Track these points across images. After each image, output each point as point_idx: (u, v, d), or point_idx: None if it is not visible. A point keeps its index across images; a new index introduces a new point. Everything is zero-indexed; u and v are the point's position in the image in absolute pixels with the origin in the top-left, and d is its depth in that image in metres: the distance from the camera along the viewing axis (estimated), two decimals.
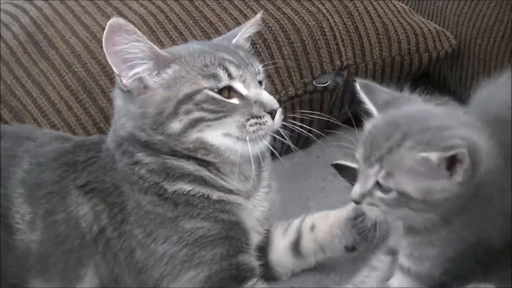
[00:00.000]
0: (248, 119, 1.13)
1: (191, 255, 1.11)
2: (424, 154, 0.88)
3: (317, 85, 1.73)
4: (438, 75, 2.09)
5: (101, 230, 1.16)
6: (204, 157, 1.17)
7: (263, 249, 1.29)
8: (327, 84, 1.74)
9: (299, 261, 1.31)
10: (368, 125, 1.00)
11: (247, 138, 1.13)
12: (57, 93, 1.60)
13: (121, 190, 1.17)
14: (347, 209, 1.28)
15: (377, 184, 0.94)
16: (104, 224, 1.16)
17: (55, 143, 1.25)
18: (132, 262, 1.15)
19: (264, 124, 1.14)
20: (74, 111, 1.60)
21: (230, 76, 1.14)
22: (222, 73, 1.14)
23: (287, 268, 1.31)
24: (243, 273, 1.13)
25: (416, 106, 1.04)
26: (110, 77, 1.59)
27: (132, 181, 1.17)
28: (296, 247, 1.30)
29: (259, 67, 1.22)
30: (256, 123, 1.13)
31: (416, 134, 0.92)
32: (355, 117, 2.00)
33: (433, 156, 0.87)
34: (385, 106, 1.03)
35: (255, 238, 1.24)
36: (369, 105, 1.04)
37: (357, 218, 1.23)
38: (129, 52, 1.13)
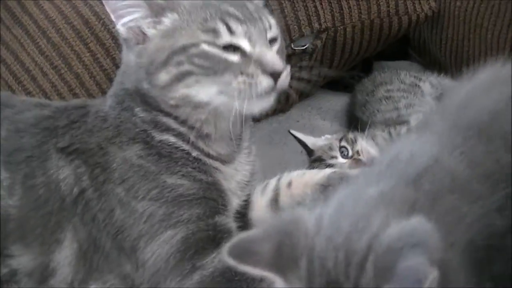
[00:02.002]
0: (238, 76, 1.09)
1: (169, 214, 1.11)
2: None
3: (296, 48, 1.72)
4: (418, 38, 2.09)
5: (81, 192, 1.16)
6: (187, 116, 1.15)
7: (243, 212, 1.30)
8: (305, 47, 1.72)
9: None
10: None
11: (235, 97, 1.10)
12: (31, 60, 1.58)
13: (107, 151, 1.17)
14: (321, 175, 1.28)
15: None
16: (84, 186, 1.16)
17: (34, 109, 1.24)
18: (110, 223, 1.15)
19: (255, 85, 1.10)
20: (49, 78, 1.58)
21: (231, 31, 1.09)
22: (222, 28, 1.09)
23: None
24: (220, 234, 1.13)
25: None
26: (85, 42, 1.57)
27: (123, 133, 1.17)
28: (275, 203, 1.31)
29: (271, 21, 1.15)
30: (244, 82, 1.09)
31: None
32: (333, 80, 2.03)
33: None
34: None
35: (234, 202, 1.25)
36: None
37: (327, 187, 1.23)
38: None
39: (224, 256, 0.79)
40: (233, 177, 1.19)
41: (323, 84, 2.00)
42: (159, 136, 1.17)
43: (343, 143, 1.56)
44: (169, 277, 1.09)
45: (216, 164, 1.21)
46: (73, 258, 1.17)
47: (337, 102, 1.85)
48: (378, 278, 0.73)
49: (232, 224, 1.21)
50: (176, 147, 1.17)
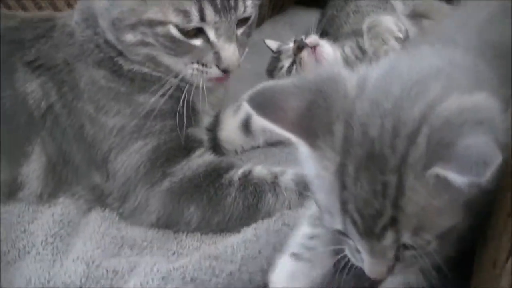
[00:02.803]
0: (193, 62, 1.09)
1: (140, 127, 1.11)
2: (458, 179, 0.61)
3: None
4: None
5: (49, 107, 1.14)
6: (152, 69, 1.15)
7: (213, 131, 1.30)
8: None
9: (249, 138, 1.32)
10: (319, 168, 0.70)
11: (188, 75, 1.12)
12: None
13: (73, 67, 1.14)
14: None
15: (403, 247, 0.69)
16: (53, 101, 1.14)
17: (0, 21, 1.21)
18: (81, 138, 1.14)
19: (206, 73, 1.11)
20: None
21: (203, 19, 1.05)
22: (195, 14, 1.05)
23: (237, 145, 1.32)
24: (191, 143, 1.14)
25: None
26: None
27: (88, 54, 1.14)
28: (246, 124, 1.31)
29: (247, 3, 1.09)
30: (198, 69, 1.10)
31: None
32: None
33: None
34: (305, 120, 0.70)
35: (205, 120, 1.25)
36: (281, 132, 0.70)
37: None
38: None
39: (243, 104, 0.74)
40: (206, 97, 1.19)
41: (297, 0, 1.97)
42: (128, 66, 1.15)
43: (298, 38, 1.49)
44: (139, 185, 1.10)
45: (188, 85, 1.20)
46: (41, 171, 1.16)
47: (310, 18, 1.83)
48: (432, 155, 0.63)
49: (203, 136, 1.21)
50: (150, 74, 1.15)
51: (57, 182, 1.17)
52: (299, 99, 0.69)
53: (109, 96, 1.13)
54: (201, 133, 1.20)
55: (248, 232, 1.00)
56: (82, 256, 1.02)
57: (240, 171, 1.11)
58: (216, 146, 1.29)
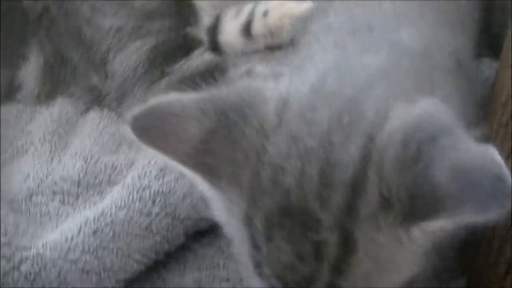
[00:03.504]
0: None
1: (139, 27, 1.10)
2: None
3: None
4: None
5: (45, 9, 1.12)
6: None
7: (213, 32, 1.27)
8: None
9: (250, 42, 1.30)
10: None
11: None
12: None
13: None
14: (304, 7, 1.24)
15: None
16: (49, 3, 1.12)
17: None
18: (78, 39, 1.13)
19: None
20: None
21: None
22: None
23: (237, 49, 1.30)
24: (191, 43, 1.12)
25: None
26: None
27: None
28: (247, 28, 1.28)
29: None
30: None
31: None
32: None
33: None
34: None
35: (206, 20, 1.22)
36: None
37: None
38: None
39: (125, 128, 0.53)
40: None
41: None
42: None
43: None
44: (137, 85, 1.09)
45: None
46: (38, 72, 1.15)
47: None
48: (410, 209, 0.48)
49: (203, 36, 1.19)
50: None
51: (54, 83, 1.16)
52: (198, 125, 0.53)
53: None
54: (201, 33, 1.18)
55: None
56: (80, 152, 1.02)
57: (241, 69, 1.10)
58: (215, 49, 1.27)
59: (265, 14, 1.26)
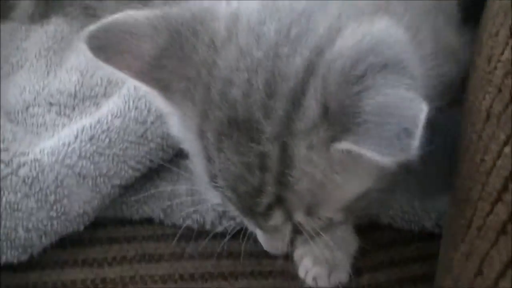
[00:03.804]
0: None
1: None
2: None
3: None
4: None
5: None
6: None
7: None
8: None
9: None
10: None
11: None
12: None
13: None
14: None
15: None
16: None
17: None
18: None
19: None
20: None
21: None
22: None
23: None
24: None
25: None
26: None
27: None
28: None
29: None
30: None
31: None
32: None
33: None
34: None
35: None
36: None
37: None
38: None
39: (82, 46, 0.54)
40: None
41: None
42: None
43: None
44: (132, 5, 1.09)
45: None
46: None
47: None
48: (334, 124, 0.49)
49: None
50: None
51: (48, 3, 1.16)
52: (151, 42, 0.54)
53: None
54: None
55: None
56: (76, 66, 1.03)
57: None
58: None
59: None
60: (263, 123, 0.51)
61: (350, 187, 0.55)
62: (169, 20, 0.55)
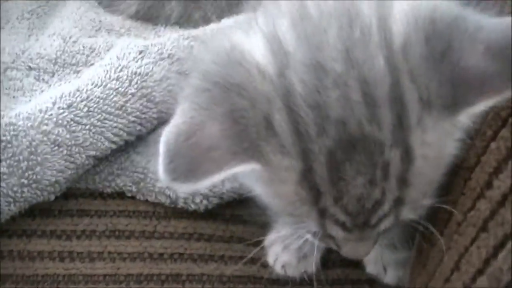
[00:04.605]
0: None
1: None
2: None
3: None
4: None
5: None
6: None
7: None
8: None
9: None
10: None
11: None
12: None
13: None
14: None
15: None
16: None
17: None
18: None
19: None
20: None
21: None
22: None
23: None
24: None
25: None
26: None
27: None
28: None
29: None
30: None
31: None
32: None
33: None
34: None
35: None
36: None
37: None
38: None
39: (166, 180, 0.50)
40: None
41: None
42: None
43: None
44: None
45: None
46: None
47: None
48: (434, 102, 0.50)
49: None
50: None
51: None
52: (216, 117, 0.50)
53: None
54: None
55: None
56: (58, 32, 1.01)
57: None
58: None
59: None
60: (378, 134, 0.49)
61: (449, 156, 0.54)
62: (205, 79, 0.52)
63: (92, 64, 0.94)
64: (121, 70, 0.87)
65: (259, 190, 0.56)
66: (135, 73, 0.86)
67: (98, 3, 1.11)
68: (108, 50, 0.96)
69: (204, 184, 0.50)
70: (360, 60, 0.49)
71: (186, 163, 0.49)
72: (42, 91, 0.91)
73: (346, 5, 0.51)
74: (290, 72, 0.50)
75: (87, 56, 0.96)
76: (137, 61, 0.88)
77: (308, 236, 0.58)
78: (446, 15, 0.50)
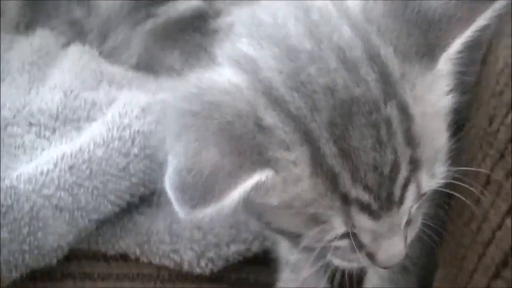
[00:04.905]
0: None
1: None
2: None
3: None
4: None
5: None
6: None
7: None
8: None
9: None
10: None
11: None
12: None
13: None
14: None
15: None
16: None
17: None
18: None
19: None
20: None
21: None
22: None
23: None
24: None
25: None
26: None
27: None
28: None
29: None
30: None
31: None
32: None
33: None
34: None
35: None
36: None
37: None
38: None
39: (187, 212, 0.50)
40: None
41: None
42: None
43: None
44: (121, 24, 1.06)
45: None
46: (20, 0, 1.11)
47: None
48: (428, 44, 0.54)
49: None
50: None
51: (35, 14, 1.13)
52: (208, 143, 0.52)
53: None
54: None
55: None
56: (60, 85, 0.99)
57: (228, 19, 1.07)
58: None
59: None
60: (368, 92, 0.51)
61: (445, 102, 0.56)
62: (200, 107, 0.53)
63: (94, 120, 0.92)
64: (123, 129, 0.85)
65: (275, 209, 0.55)
66: (138, 131, 0.85)
67: (99, 53, 1.09)
68: (110, 105, 0.95)
69: (226, 203, 0.50)
70: (327, 34, 0.53)
71: (199, 190, 0.49)
72: (43, 149, 0.90)
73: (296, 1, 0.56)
74: (263, 71, 0.53)
75: (89, 111, 0.95)
76: (139, 119, 0.87)
77: (335, 258, 0.57)
78: None
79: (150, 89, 1.01)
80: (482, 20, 0.53)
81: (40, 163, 0.84)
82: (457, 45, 0.53)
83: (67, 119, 0.94)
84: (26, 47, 1.08)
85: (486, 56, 0.66)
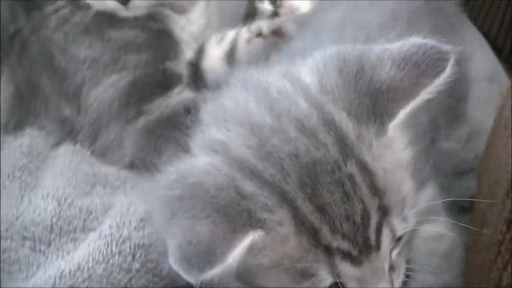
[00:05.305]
0: None
1: (115, 60, 1.05)
2: None
3: None
4: None
5: (17, 31, 1.07)
6: None
7: (196, 63, 1.24)
8: None
9: (233, 69, 1.26)
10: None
11: None
12: None
13: None
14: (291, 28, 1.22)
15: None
16: (21, 26, 1.07)
17: None
18: (51, 68, 1.08)
19: None
20: None
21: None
22: None
23: (220, 76, 1.26)
24: (169, 80, 1.08)
25: None
26: None
27: None
28: (231, 56, 1.24)
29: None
30: None
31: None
32: None
33: None
34: None
35: (187, 53, 1.18)
36: None
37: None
38: None
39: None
40: (186, 27, 1.12)
41: None
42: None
43: None
44: (112, 122, 1.05)
45: (167, 11, 1.13)
46: (8, 100, 1.10)
47: None
48: (377, 112, 0.60)
49: (183, 70, 1.15)
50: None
51: (24, 113, 1.12)
52: (199, 218, 0.57)
53: (77, 30, 1.06)
54: (180, 67, 1.14)
55: None
56: (52, 193, 0.97)
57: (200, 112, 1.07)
58: (197, 79, 1.23)
59: (249, 41, 1.23)
60: (328, 154, 0.57)
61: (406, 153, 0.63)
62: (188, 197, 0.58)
63: (90, 230, 0.90)
64: (123, 242, 0.83)
65: (267, 270, 0.59)
66: (138, 245, 0.83)
67: (91, 152, 1.08)
68: (105, 212, 0.93)
69: (230, 263, 0.54)
70: (285, 108, 0.60)
71: (202, 256, 0.54)
72: (39, 265, 0.87)
73: (255, 82, 0.65)
74: (234, 149, 0.59)
75: (84, 220, 0.92)
76: (139, 231, 0.85)
77: None
78: (352, 51, 0.62)
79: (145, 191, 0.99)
80: (425, 94, 0.60)
81: (38, 281, 0.81)
82: (402, 115, 0.60)
83: (62, 231, 0.92)
84: (15, 149, 1.07)
85: None
